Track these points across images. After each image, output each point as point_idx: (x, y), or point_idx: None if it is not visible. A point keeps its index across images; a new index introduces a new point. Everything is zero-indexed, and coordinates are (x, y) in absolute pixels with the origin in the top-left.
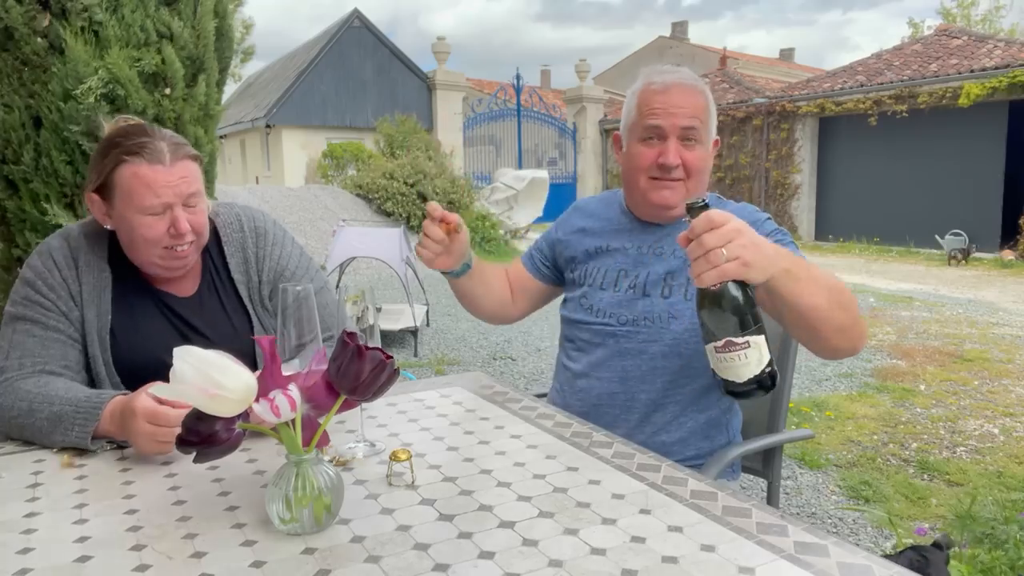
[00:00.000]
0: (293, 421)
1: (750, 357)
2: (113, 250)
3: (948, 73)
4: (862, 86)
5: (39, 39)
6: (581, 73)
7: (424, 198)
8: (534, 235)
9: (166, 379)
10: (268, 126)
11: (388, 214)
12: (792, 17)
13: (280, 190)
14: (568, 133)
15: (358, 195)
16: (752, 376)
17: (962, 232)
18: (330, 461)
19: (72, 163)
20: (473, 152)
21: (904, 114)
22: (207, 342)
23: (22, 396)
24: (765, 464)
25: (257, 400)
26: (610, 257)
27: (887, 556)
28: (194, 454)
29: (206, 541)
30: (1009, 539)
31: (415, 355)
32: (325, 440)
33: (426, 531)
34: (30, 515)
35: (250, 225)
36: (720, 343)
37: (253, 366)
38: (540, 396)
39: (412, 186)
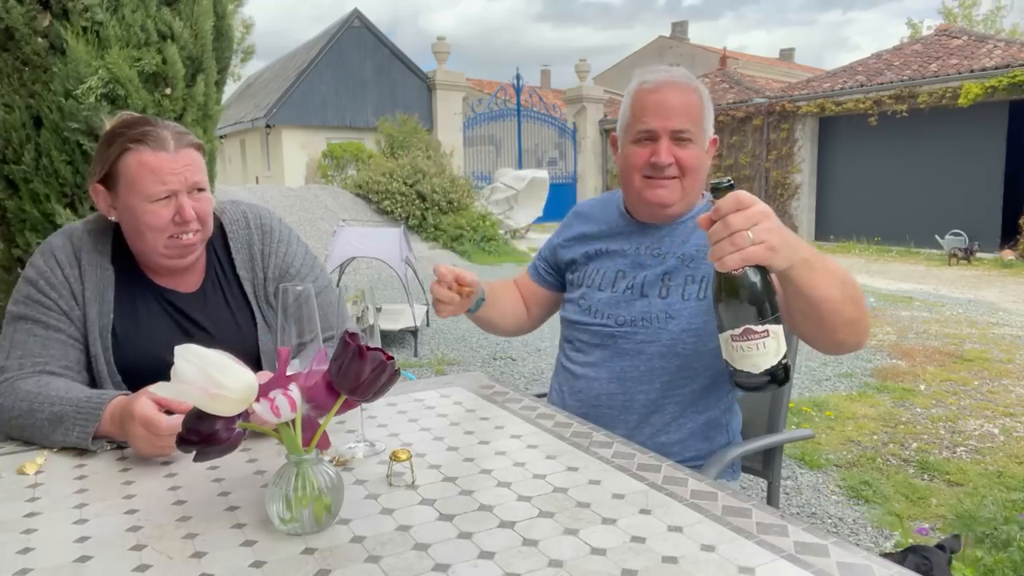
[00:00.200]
0: (293, 421)
1: (768, 347)
2: (117, 248)
3: (948, 73)
4: (862, 86)
5: (40, 39)
6: (581, 73)
7: (424, 198)
8: (534, 235)
9: (167, 378)
10: (268, 126)
11: (388, 214)
12: (792, 17)
13: (280, 190)
14: (568, 133)
15: (358, 195)
16: (769, 367)
17: (962, 232)
18: (330, 461)
19: (72, 163)
20: (473, 152)
21: (904, 114)
22: (210, 338)
23: (22, 396)
24: (765, 464)
25: (257, 400)
26: (609, 259)
27: (889, 554)
28: (194, 453)
29: (206, 541)
30: (1012, 540)
31: (415, 355)
32: (325, 443)
33: (426, 531)
34: (30, 515)
35: (256, 222)
36: (738, 331)
37: (256, 364)
38: (540, 396)
39: (412, 186)
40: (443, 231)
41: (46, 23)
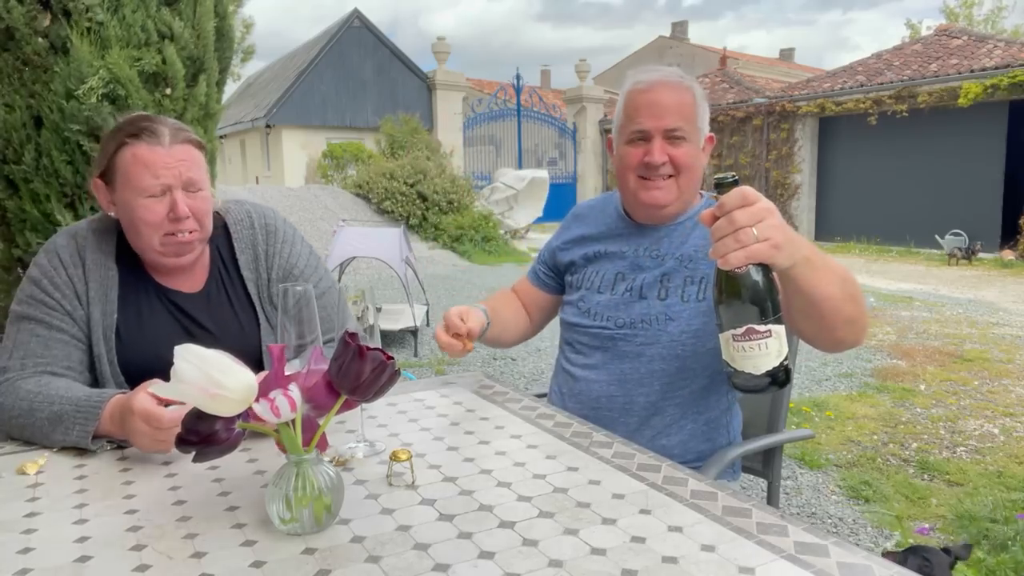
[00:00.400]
0: (293, 421)
1: (771, 347)
2: (121, 248)
3: (948, 73)
4: (862, 86)
5: (40, 39)
6: (581, 73)
7: (424, 198)
8: (534, 235)
9: (170, 378)
10: (268, 126)
11: (388, 214)
12: (792, 17)
13: (280, 190)
14: (568, 133)
15: (358, 195)
16: (770, 368)
17: (962, 232)
18: (330, 461)
19: (73, 163)
20: (473, 152)
21: (904, 114)
22: (213, 339)
23: (23, 396)
24: (765, 464)
25: (257, 400)
26: (608, 261)
27: (889, 553)
28: (194, 454)
29: (206, 541)
30: (1013, 540)
31: (415, 355)
32: (324, 446)
33: (426, 531)
34: (30, 515)
35: (260, 222)
36: (740, 331)
37: (258, 365)
38: (540, 396)
39: (412, 186)
40: (443, 231)
41: (46, 23)
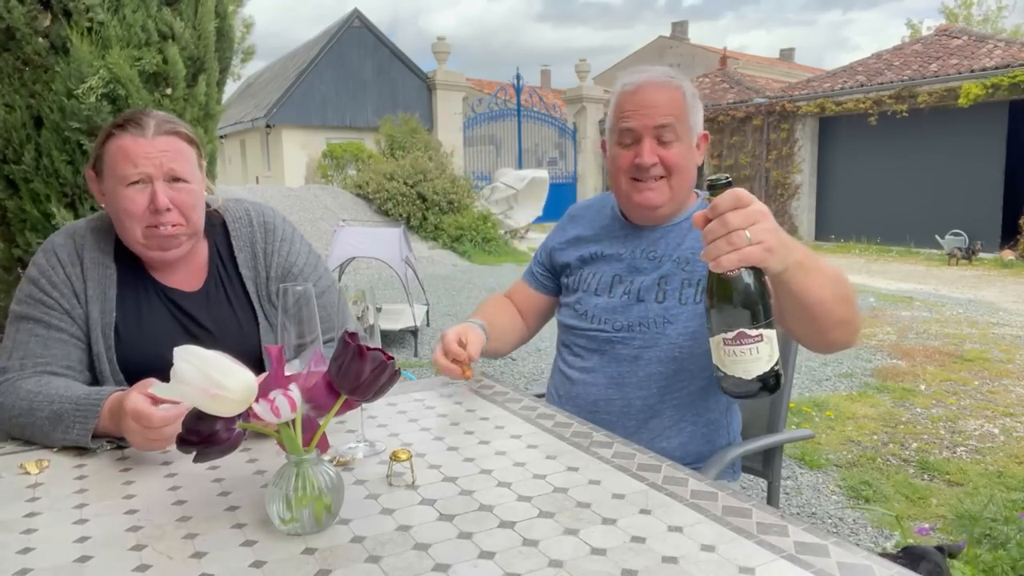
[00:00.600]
0: (293, 421)
1: (762, 352)
2: (119, 246)
3: (948, 73)
4: (862, 86)
5: (40, 39)
6: (581, 73)
7: (424, 198)
8: (534, 235)
9: (169, 376)
10: (268, 126)
11: (388, 214)
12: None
13: (280, 190)
14: (568, 133)
15: (358, 195)
16: (760, 373)
17: (962, 232)
18: (330, 461)
19: (73, 163)
20: (473, 152)
21: (904, 114)
22: (211, 338)
23: (23, 396)
24: (765, 464)
25: (257, 400)
26: (605, 263)
27: (889, 554)
28: (194, 454)
29: (206, 541)
30: (1010, 539)
31: (415, 355)
32: (325, 445)
33: (426, 531)
34: (30, 515)
35: (259, 220)
36: (731, 335)
37: (258, 364)
38: (540, 396)
39: (412, 186)
40: (443, 231)
41: (47, 23)
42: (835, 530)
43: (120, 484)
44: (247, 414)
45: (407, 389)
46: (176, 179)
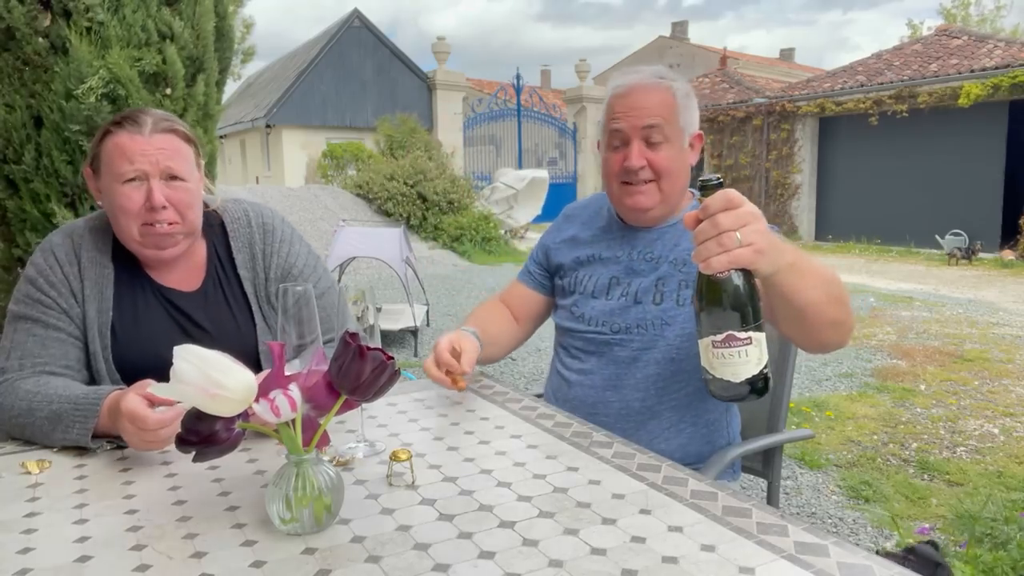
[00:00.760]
0: (293, 421)
1: (750, 355)
2: (117, 245)
3: (948, 73)
4: (862, 86)
5: (40, 39)
6: (581, 73)
7: (424, 198)
8: (533, 235)
9: (166, 376)
10: (268, 126)
11: (388, 214)
12: (792, 17)
13: (280, 190)
14: (568, 133)
15: (358, 195)
16: (749, 376)
17: (962, 232)
18: (330, 461)
19: (73, 163)
20: (473, 152)
21: (904, 114)
22: (209, 338)
23: (22, 396)
24: (765, 464)
25: (257, 400)
26: (602, 266)
27: (889, 555)
28: (194, 454)
29: (206, 541)
30: (1011, 539)
31: (415, 355)
32: (325, 441)
33: (426, 531)
34: (30, 515)
35: (258, 221)
36: (720, 337)
37: (256, 365)
38: (540, 396)
39: (412, 186)
40: (443, 231)
41: (47, 23)
42: (835, 530)
43: (120, 484)
44: (247, 414)
45: (407, 389)
46: (173, 177)
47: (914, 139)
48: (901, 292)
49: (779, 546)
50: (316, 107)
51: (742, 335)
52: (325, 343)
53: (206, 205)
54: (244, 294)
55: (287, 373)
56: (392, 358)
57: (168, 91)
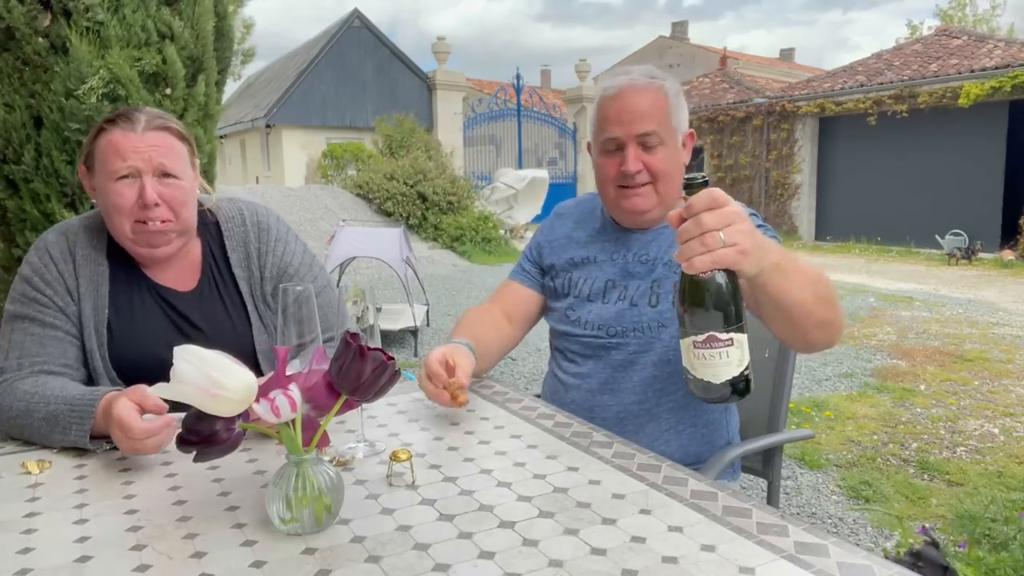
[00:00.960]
0: (293, 421)
1: (732, 356)
2: (112, 244)
3: (948, 73)
4: (862, 86)
5: (40, 39)
6: (581, 73)
7: (424, 198)
8: (532, 234)
9: (163, 375)
10: (268, 126)
11: (388, 214)
12: (792, 17)
13: (280, 190)
14: (568, 133)
15: (358, 195)
16: (730, 377)
17: (962, 232)
18: (330, 461)
19: (73, 163)
20: (473, 152)
21: (904, 114)
22: (204, 337)
23: (20, 396)
24: (765, 464)
25: (257, 400)
26: (597, 268)
27: (899, 560)
28: (194, 454)
29: (206, 541)
30: (1010, 540)
31: (415, 355)
32: (325, 441)
33: (426, 531)
34: (30, 515)
35: (252, 220)
36: (701, 338)
37: (252, 364)
38: (540, 396)
39: (412, 186)
40: (443, 231)
41: (46, 23)
42: (835, 530)
43: (120, 484)
44: (247, 414)
45: (407, 389)
46: (166, 174)
47: (914, 139)
48: (901, 292)
49: (779, 546)
50: (316, 107)
51: (723, 336)
52: (323, 342)
53: (200, 204)
54: (239, 293)
55: (287, 373)
56: (392, 358)
57: (168, 91)
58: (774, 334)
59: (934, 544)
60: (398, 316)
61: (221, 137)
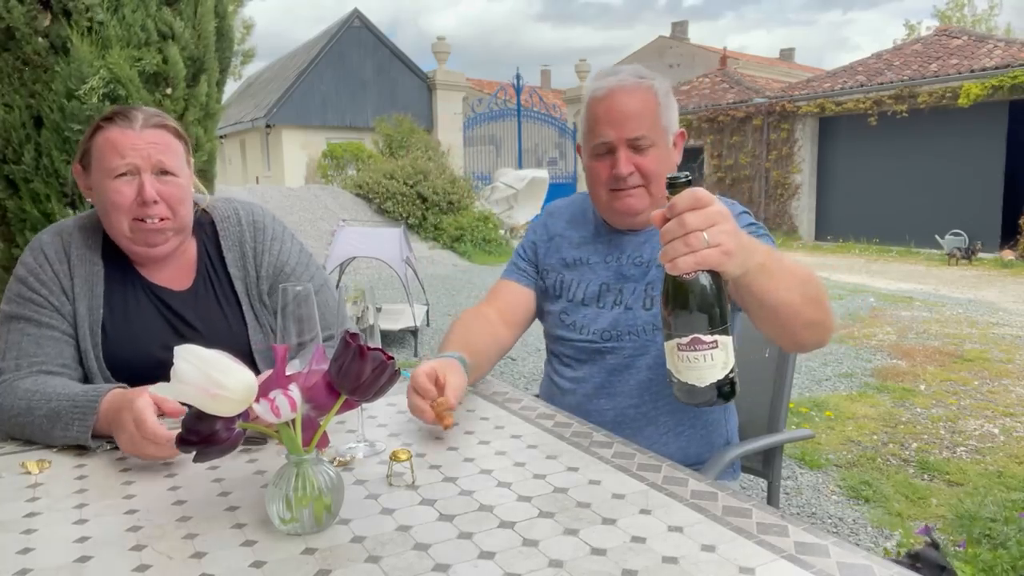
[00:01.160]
0: (293, 421)
1: (716, 359)
2: (107, 243)
3: (948, 73)
4: (862, 86)
5: (40, 39)
6: (581, 73)
7: (424, 198)
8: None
9: (157, 374)
10: (268, 126)
11: (388, 214)
12: (792, 17)
13: (280, 190)
14: (568, 133)
15: (358, 195)
16: (715, 380)
17: (962, 232)
18: (330, 461)
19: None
20: (473, 152)
21: (904, 114)
22: (200, 337)
23: (20, 395)
24: (765, 464)
25: (257, 400)
26: (591, 271)
27: (897, 561)
28: (194, 454)
29: (206, 541)
30: (1010, 539)
31: (415, 355)
32: (325, 441)
33: (426, 531)
34: (30, 515)
35: (248, 219)
36: (686, 340)
37: (248, 363)
38: (539, 396)
39: (412, 186)
40: (443, 231)
41: (47, 23)
42: (835, 530)
43: (120, 484)
44: (247, 414)
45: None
46: (164, 172)
47: (914, 139)
48: (901, 292)
49: (779, 546)
50: (316, 107)
51: (708, 338)
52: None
53: (196, 204)
54: (235, 293)
55: (287, 373)
56: (392, 358)
57: (169, 91)
58: (765, 335)
59: (934, 545)
60: (398, 316)
61: (221, 137)
